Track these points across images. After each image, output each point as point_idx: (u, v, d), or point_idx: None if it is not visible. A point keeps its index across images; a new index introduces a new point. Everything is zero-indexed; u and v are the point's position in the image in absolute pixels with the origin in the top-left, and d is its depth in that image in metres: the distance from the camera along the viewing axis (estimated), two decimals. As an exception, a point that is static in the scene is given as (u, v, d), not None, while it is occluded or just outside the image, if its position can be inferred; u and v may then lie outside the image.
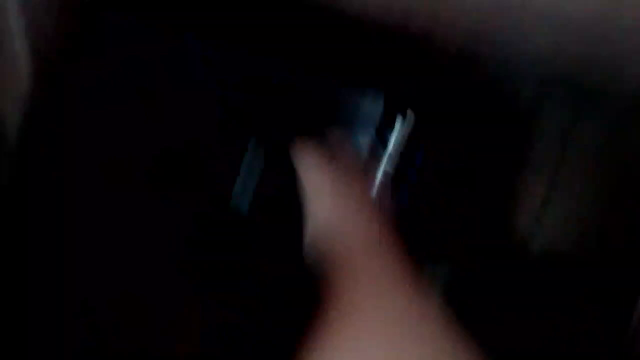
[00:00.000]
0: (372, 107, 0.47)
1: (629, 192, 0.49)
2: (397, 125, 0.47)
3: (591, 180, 0.50)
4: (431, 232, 0.54)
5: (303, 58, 0.47)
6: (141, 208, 0.47)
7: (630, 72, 0.43)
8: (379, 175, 0.46)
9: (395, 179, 0.47)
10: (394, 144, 0.47)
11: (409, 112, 0.46)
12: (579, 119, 0.49)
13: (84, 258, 0.45)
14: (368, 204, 0.39)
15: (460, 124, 0.51)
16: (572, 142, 0.49)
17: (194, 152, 0.49)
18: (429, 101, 0.48)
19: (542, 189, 0.52)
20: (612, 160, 0.49)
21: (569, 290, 0.52)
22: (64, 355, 0.45)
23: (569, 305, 0.53)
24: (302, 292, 0.40)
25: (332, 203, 0.38)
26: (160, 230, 0.47)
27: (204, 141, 0.48)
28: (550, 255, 0.52)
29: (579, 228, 0.51)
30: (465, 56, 0.51)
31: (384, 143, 0.47)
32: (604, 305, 0.50)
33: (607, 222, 0.50)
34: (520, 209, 0.54)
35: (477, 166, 0.54)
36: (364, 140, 0.47)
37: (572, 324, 0.53)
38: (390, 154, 0.47)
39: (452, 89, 0.51)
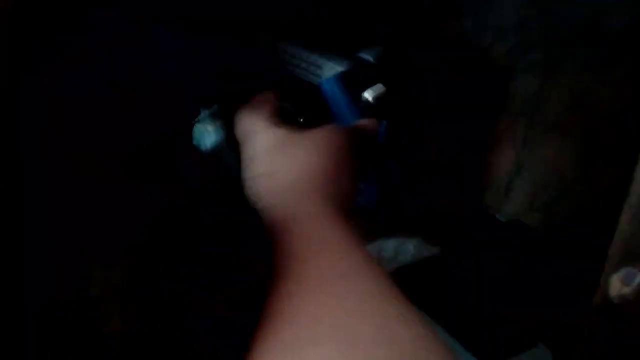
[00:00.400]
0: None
1: (599, 160, 0.48)
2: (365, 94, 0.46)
3: (560, 148, 0.49)
4: (403, 202, 0.54)
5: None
6: (117, 197, 0.48)
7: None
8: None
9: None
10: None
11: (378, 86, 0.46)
12: (550, 81, 0.48)
13: (66, 246, 0.46)
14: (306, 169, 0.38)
15: (433, 83, 0.50)
16: (541, 108, 0.49)
17: (168, 142, 0.50)
18: (399, 60, 0.48)
19: (512, 156, 0.52)
20: (582, 126, 0.48)
21: (536, 258, 0.54)
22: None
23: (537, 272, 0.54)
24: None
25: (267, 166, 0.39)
26: (135, 218, 0.48)
27: (177, 131, 0.49)
28: (519, 225, 0.53)
29: (548, 197, 0.51)
30: (440, 5, 0.51)
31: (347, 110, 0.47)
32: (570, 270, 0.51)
33: (577, 190, 0.50)
34: (490, 178, 0.54)
35: (446, 131, 0.54)
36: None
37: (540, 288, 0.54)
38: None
39: (427, 44, 0.51)
